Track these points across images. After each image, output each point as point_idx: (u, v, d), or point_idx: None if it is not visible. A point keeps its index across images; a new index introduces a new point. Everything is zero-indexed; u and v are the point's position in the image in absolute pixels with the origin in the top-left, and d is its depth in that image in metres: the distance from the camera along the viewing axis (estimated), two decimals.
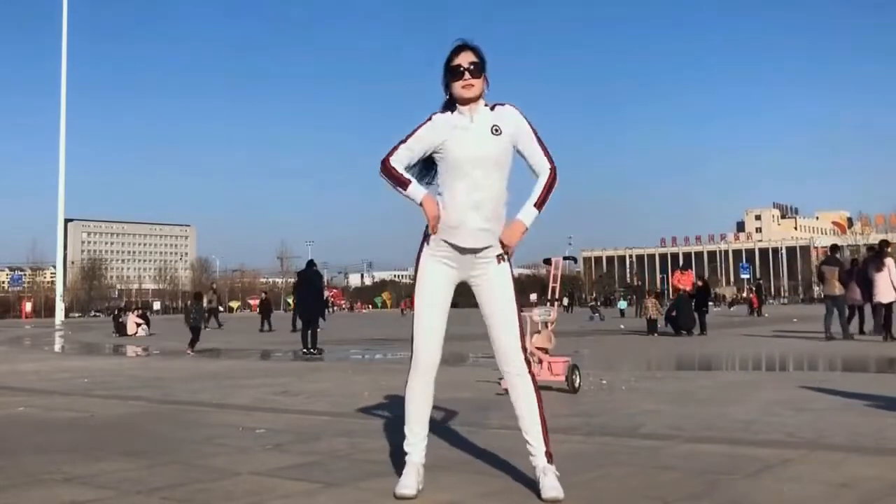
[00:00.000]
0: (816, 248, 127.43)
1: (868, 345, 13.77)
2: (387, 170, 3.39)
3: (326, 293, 31.07)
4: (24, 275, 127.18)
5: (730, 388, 7.51)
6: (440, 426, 5.12)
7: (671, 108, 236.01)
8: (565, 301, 51.28)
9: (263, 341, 21.08)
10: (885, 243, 15.95)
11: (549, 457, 3.35)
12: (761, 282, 51.07)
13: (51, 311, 68.32)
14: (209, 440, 5.00)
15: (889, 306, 14.77)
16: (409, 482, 3.37)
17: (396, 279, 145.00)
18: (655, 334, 18.63)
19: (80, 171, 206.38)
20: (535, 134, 3.46)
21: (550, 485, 3.26)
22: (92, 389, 8.55)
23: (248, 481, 3.80)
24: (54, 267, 79.09)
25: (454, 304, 3.52)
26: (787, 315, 33.96)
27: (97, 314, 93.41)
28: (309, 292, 15.69)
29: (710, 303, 25.27)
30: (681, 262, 26.21)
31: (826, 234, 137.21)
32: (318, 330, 15.42)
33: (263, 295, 32.97)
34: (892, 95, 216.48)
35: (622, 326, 25.04)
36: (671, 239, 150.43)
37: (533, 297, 53.73)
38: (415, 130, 3.43)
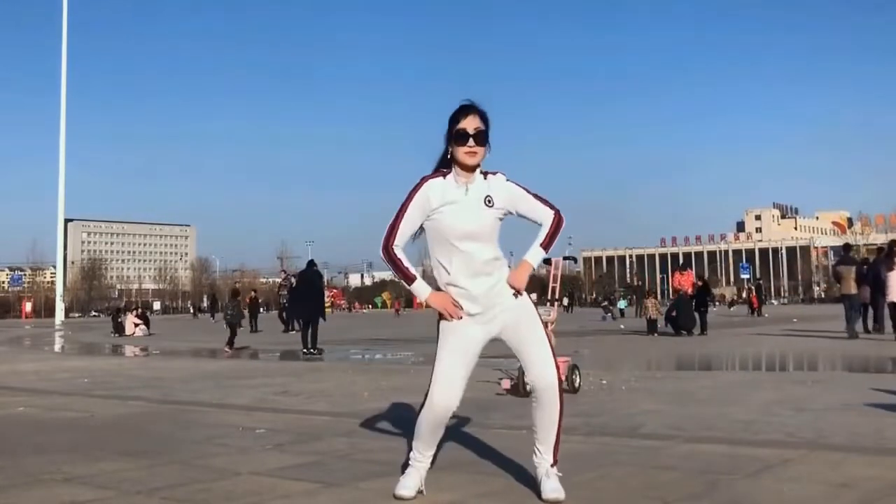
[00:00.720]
0: (816, 248, 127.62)
1: (872, 344, 13.76)
2: (390, 258, 3.38)
3: (327, 293, 30.88)
4: (24, 275, 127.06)
5: (730, 388, 7.51)
6: None
7: (671, 108, 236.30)
8: (565, 301, 51.32)
9: (264, 341, 21.07)
10: (894, 243, 16.10)
11: (555, 462, 3.38)
12: (761, 282, 51.08)
13: (51, 312, 68.24)
14: (209, 440, 5.00)
15: None
16: (410, 483, 3.38)
17: (396, 279, 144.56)
18: (655, 334, 18.63)
19: (80, 171, 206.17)
20: (528, 191, 3.43)
21: (552, 486, 3.29)
22: (92, 389, 8.55)
23: (248, 481, 3.80)
24: (54, 267, 79.09)
25: None
26: (787, 315, 33.95)
27: (97, 314, 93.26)
28: (310, 292, 15.69)
29: (710, 303, 25.23)
30: (681, 262, 26.21)
31: (826, 234, 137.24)
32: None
33: (253, 293, 32.34)
34: (893, 94, 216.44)
35: (622, 326, 25.06)
36: (671, 239, 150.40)
37: (533, 297, 53.42)
38: (405, 207, 3.35)
